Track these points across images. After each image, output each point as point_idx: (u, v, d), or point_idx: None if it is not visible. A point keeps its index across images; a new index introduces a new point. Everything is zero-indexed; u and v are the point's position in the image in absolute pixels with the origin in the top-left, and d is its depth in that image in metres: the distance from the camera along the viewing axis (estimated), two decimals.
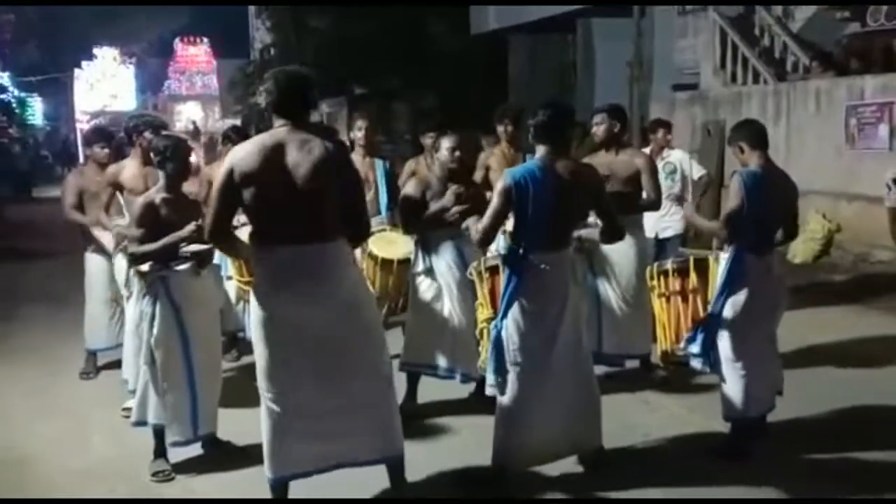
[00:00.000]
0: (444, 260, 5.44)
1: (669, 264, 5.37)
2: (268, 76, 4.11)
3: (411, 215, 5.40)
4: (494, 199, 4.42)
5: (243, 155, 3.92)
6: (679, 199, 7.88)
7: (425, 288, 5.49)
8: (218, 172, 4.18)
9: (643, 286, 6.01)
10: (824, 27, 13.68)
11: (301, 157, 3.89)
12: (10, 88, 34.61)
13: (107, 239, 6.27)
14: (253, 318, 4.07)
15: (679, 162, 8.01)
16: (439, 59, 22.80)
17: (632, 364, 6.26)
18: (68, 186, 6.70)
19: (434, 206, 5.35)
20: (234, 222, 5.45)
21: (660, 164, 7.63)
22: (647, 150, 7.76)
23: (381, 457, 4.15)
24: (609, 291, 6.06)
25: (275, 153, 3.89)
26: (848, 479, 4.59)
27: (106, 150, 6.53)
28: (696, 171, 8.12)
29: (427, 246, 5.47)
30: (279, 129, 3.97)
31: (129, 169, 5.94)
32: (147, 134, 5.85)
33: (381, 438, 4.12)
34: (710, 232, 5.52)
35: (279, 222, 3.94)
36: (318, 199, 3.93)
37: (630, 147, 7.03)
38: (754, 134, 4.91)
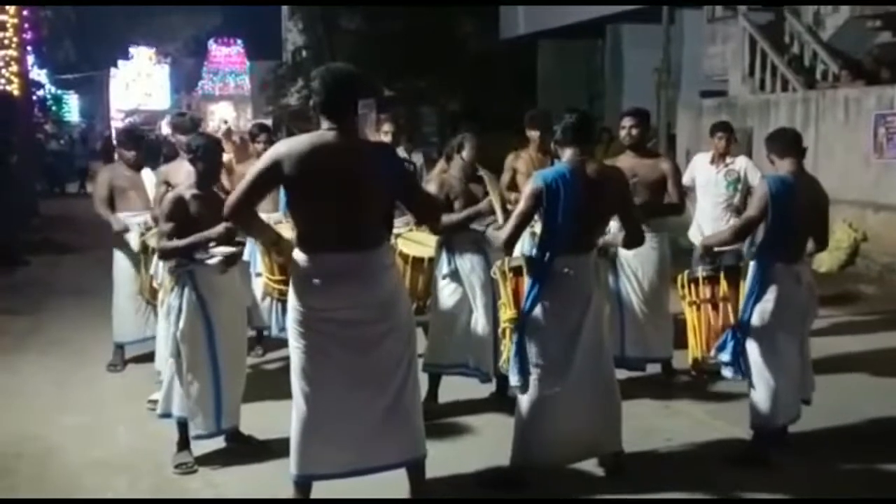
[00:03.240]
0: (469, 261, 5.48)
1: (700, 272, 5.36)
2: (314, 75, 4.08)
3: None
4: (523, 201, 4.43)
5: (292, 152, 3.87)
6: (739, 211, 7.18)
7: (449, 290, 5.54)
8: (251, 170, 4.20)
9: (664, 290, 6.03)
10: (855, 36, 13.58)
11: (349, 164, 3.89)
12: (47, 85, 35.04)
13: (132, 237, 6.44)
14: (290, 316, 4.08)
15: (743, 170, 7.39)
16: (468, 62, 22.88)
17: (653, 368, 6.25)
18: (100, 181, 6.85)
19: (467, 211, 5.38)
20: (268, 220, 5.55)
21: (721, 172, 7.40)
22: (704, 156, 7.64)
23: (405, 459, 4.16)
24: (631, 295, 6.06)
25: (324, 158, 3.87)
26: (873, 488, 4.58)
27: (133, 153, 6.70)
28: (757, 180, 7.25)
29: (451, 247, 5.51)
30: (327, 133, 3.94)
31: (180, 169, 6.08)
32: (178, 136, 6.05)
33: (406, 440, 4.13)
34: (721, 241, 5.47)
35: (324, 228, 3.94)
36: (365, 207, 3.94)
37: (658, 154, 7.01)
38: (783, 143, 4.90)
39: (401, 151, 8.85)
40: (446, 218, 5.30)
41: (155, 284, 5.88)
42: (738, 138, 12.70)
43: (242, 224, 4.26)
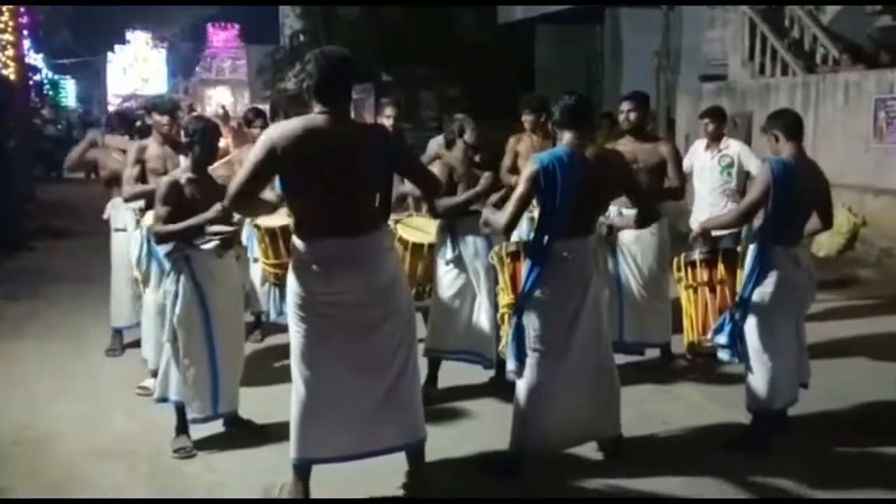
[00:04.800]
0: (473, 246, 5.46)
1: (697, 255, 5.35)
2: (309, 57, 4.04)
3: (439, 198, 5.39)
4: (521, 184, 4.40)
5: (283, 136, 3.83)
6: (736, 196, 7.28)
7: (451, 276, 5.53)
8: (247, 155, 4.16)
9: (664, 275, 6.02)
10: (855, 20, 13.53)
11: (341, 148, 3.85)
12: (44, 70, 34.90)
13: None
14: (290, 300, 4.07)
15: (737, 155, 7.44)
16: (467, 47, 22.80)
17: (652, 353, 6.26)
18: (90, 153, 6.87)
19: (468, 193, 5.36)
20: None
21: (715, 158, 7.45)
22: (701, 142, 7.66)
23: (404, 442, 4.16)
24: (630, 280, 6.07)
25: (316, 141, 3.84)
26: (871, 473, 4.57)
27: (125, 137, 6.68)
28: (755, 166, 7.15)
29: (455, 232, 5.49)
30: (318, 117, 3.90)
31: (151, 149, 6.05)
32: (156, 115, 6.01)
33: (405, 423, 4.13)
34: (722, 225, 5.47)
35: (320, 213, 3.93)
36: (359, 191, 3.93)
37: (658, 138, 6.98)
38: (790, 124, 4.86)
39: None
40: (447, 201, 5.29)
41: (135, 273, 5.86)
42: (738, 122, 12.77)
43: (245, 211, 4.26)
